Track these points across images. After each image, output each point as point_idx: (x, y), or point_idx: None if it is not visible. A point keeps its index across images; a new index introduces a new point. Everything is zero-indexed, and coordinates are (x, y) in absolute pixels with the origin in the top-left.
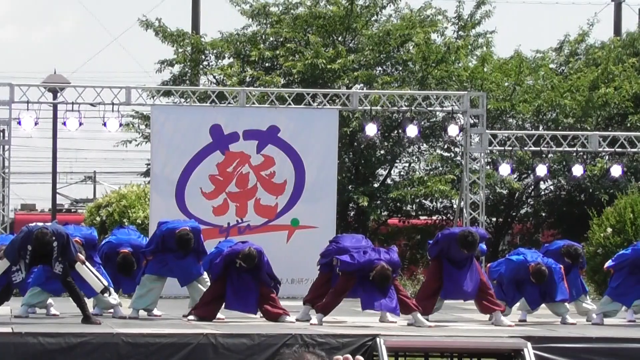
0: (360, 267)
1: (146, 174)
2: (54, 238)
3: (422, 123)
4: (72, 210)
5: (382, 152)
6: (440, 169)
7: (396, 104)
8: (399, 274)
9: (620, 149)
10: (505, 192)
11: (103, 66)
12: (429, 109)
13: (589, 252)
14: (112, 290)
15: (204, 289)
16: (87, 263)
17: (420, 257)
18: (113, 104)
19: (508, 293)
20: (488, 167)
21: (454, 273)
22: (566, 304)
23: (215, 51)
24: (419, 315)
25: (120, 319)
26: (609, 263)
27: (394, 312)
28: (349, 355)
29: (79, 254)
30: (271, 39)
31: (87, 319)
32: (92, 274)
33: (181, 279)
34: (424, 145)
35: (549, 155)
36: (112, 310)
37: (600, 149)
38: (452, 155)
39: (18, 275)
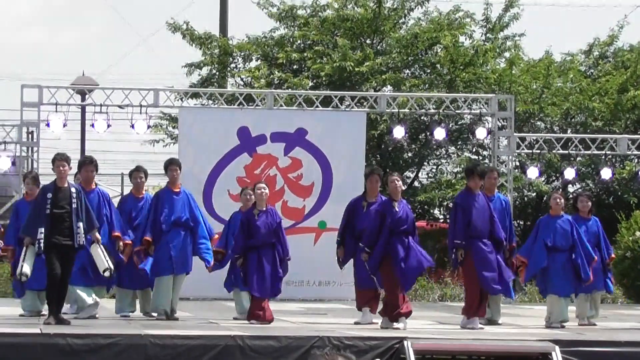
0: (377, 225)
1: None
2: (72, 185)
3: (450, 126)
4: None
5: (410, 154)
6: None
7: (424, 107)
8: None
9: None
10: (533, 195)
11: (131, 68)
12: (456, 111)
13: (617, 255)
14: (114, 274)
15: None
16: (100, 243)
17: (448, 260)
18: (141, 106)
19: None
20: (516, 170)
21: (486, 259)
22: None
23: (242, 54)
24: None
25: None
26: None
27: (424, 266)
28: None
29: (95, 233)
30: (299, 41)
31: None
32: (101, 255)
33: (178, 267)
34: (452, 148)
35: (578, 159)
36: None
37: (629, 152)
38: (480, 158)
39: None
